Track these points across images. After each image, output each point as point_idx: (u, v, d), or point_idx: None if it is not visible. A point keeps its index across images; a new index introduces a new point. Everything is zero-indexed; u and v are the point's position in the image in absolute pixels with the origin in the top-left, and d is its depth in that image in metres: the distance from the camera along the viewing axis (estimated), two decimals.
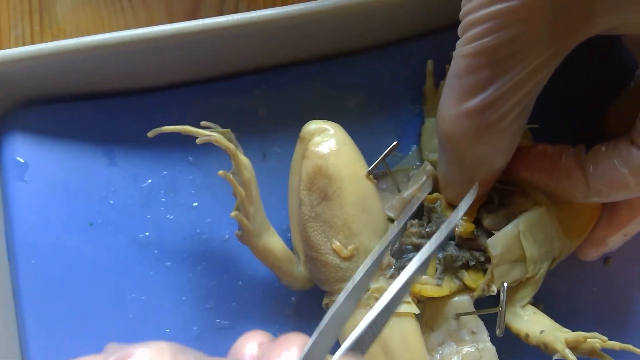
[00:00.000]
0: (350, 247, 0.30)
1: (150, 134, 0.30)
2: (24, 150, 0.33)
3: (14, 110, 0.33)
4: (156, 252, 0.33)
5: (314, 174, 0.30)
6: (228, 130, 0.30)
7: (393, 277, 0.30)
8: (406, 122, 0.35)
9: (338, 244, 0.29)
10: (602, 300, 0.34)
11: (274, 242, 0.31)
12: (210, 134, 0.30)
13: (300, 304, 0.33)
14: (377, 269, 0.30)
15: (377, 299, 0.29)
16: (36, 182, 0.33)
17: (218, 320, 0.33)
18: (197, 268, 0.33)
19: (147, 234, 0.33)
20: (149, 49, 0.31)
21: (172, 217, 0.34)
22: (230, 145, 0.30)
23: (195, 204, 0.34)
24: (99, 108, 0.34)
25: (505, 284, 0.29)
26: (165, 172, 0.34)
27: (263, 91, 0.35)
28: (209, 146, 0.34)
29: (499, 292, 0.30)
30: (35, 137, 0.33)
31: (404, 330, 0.29)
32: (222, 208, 0.34)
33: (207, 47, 0.32)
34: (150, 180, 0.34)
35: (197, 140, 0.29)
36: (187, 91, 0.35)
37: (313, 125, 0.31)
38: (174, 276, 0.33)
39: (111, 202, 0.33)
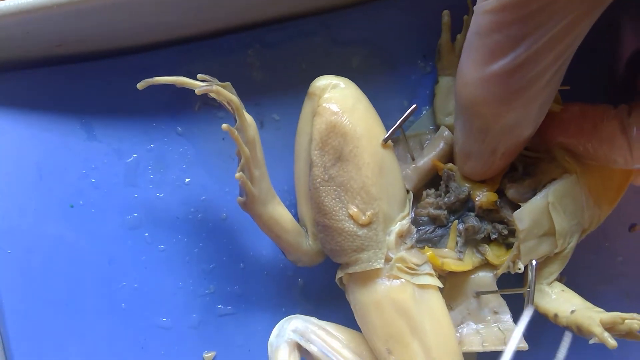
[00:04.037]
0: (368, 213, 0.27)
1: (139, 85, 0.26)
2: None
3: None
4: (147, 234, 0.30)
5: (328, 132, 0.27)
6: (228, 83, 0.27)
7: (413, 247, 0.28)
8: (417, 82, 0.32)
9: (355, 209, 0.27)
10: (628, 269, 0.33)
11: (280, 211, 0.28)
12: (210, 81, 0.26)
13: (308, 285, 0.31)
14: None
15: (400, 269, 0.27)
16: (5, 160, 0.29)
17: (219, 306, 0.31)
18: (194, 250, 0.31)
19: (136, 214, 0.30)
20: (126, 3, 0.27)
21: (162, 195, 0.31)
22: (234, 97, 0.26)
23: (187, 180, 0.31)
24: (73, 74, 0.30)
25: (534, 263, 0.27)
26: (152, 145, 0.31)
27: (257, 51, 0.31)
28: (201, 115, 0.31)
29: (525, 268, 0.28)
30: (2, 109, 0.29)
31: (431, 303, 0.27)
32: (217, 184, 0.31)
33: (192, 0, 0.28)
34: (135, 155, 0.31)
35: (197, 90, 0.26)
36: (171, 52, 0.31)
37: (324, 81, 0.28)
38: (169, 260, 0.30)
39: (93, 180, 0.30)
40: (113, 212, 0.30)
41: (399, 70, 0.32)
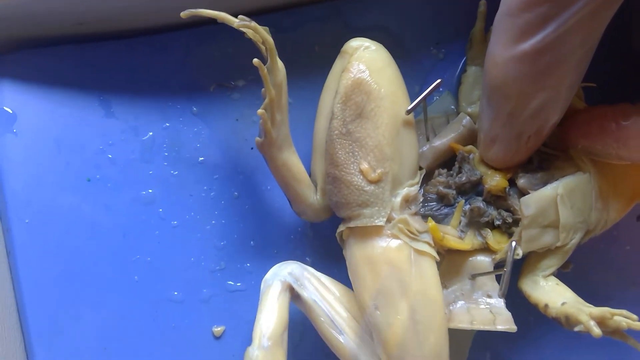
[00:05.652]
0: (378, 171, 0.27)
1: (183, 14, 0.26)
2: (12, 99, 0.30)
3: (0, 55, 0.30)
4: (161, 210, 0.31)
5: (353, 87, 0.27)
6: (267, 28, 0.28)
7: (417, 214, 0.29)
8: (429, 68, 0.32)
9: (366, 165, 0.27)
10: (635, 258, 0.33)
11: (294, 160, 0.29)
12: (249, 21, 0.27)
13: (316, 263, 0.32)
14: None
15: (401, 230, 0.27)
16: (26, 134, 0.30)
17: (230, 282, 0.31)
18: (206, 227, 0.31)
19: (151, 190, 0.31)
20: None
21: (176, 172, 0.31)
22: (270, 38, 0.27)
23: (201, 159, 0.31)
24: (93, 52, 0.31)
25: (514, 243, 0.27)
26: (167, 124, 0.31)
27: (271, 34, 0.31)
28: (216, 95, 0.32)
29: (524, 256, 0.28)
30: (24, 85, 0.30)
31: (424, 269, 0.28)
32: (230, 163, 0.32)
33: None
34: (151, 133, 0.31)
35: (235, 24, 0.26)
36: (188, 33, 0.32)
37: (357, 42, 0.28)
38: (181, 236, 0.31)
39: (110, 156, 0.31)
40: (128, 187, 0.31)
41: (412, 57, 0.32)
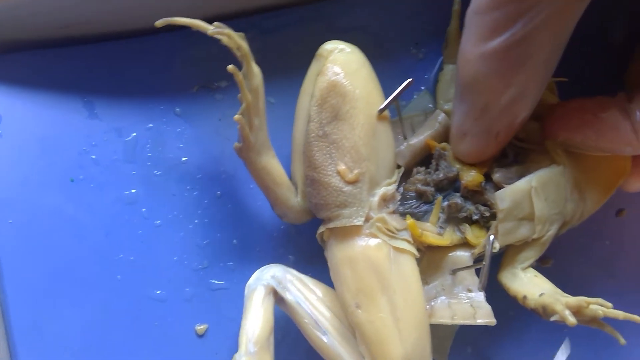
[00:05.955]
0: (355, 171, 0.28)
1: (158, 23, 0.27)
2: None
3: None
4: (144, 210, 0.31)
5: (328, 90, 0.28)
6: (242, 34, 0.28)
7: (395, 212, 0.29)
8: (408, 68, 0.33)
9: (343, 166, 0.28)
10: (615, 253, 0.33)
11: (274, 164, 0.29)
12: (224, 27, 0.27)
13: (299, 262, 0.32)
14: None
15: (379, 229, 0.28)
16: (10, 135, 0.30)
17: (212, 281, 0.32)
18: (189, 226, 0.32)
19: (134, 190, 0.31)
20: None
21: (159, 172, 0.32)
22: (244, 45, 0.28)
23: (184, 159, 0.32)
24: (77, 55, 0.31)
25: (491, 237, 0.28)
26: (150, 125, 0.32)
27: (254, 36, 0.32)
28: (199, 96, 0.32)
29: (504, 250, 0.29)
30: (8, 87, 0.31)
31: (404, 266, 0.28)
32: (213, 163, 0.32)
33: None
34: (134, 134, 0.32)
35: (209, 32, 0.27)
36: (171, 36, 0.32)
37: (332, 45, 0.29)
38: (164, 235, 0.31)
39: (93, 157, 0.31)
40: (112, 187, 0.31)
41: (391, 57, 0.33)
